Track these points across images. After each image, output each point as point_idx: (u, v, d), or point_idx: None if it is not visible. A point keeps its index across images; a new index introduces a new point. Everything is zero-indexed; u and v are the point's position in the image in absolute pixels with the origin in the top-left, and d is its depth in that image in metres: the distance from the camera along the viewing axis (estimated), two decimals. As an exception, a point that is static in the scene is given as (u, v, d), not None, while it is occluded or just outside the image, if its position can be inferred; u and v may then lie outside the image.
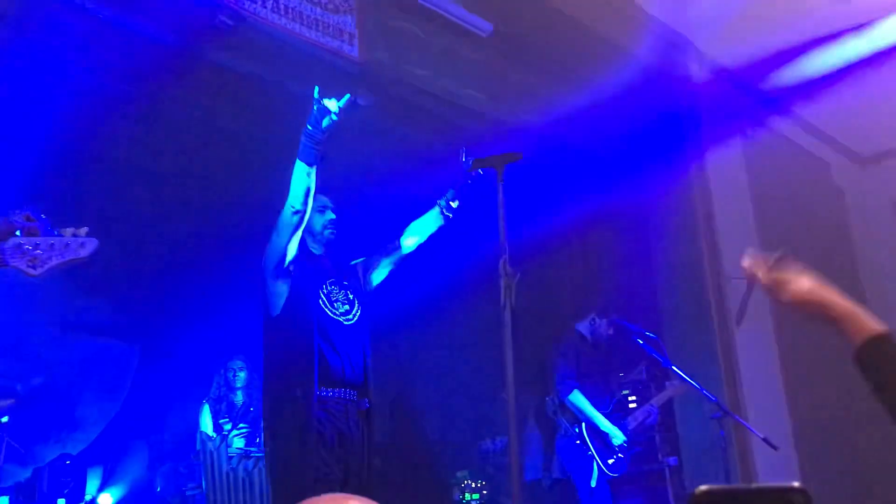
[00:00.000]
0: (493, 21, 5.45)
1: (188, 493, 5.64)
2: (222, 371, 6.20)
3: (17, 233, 2.35)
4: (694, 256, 6.42)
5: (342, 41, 4.75)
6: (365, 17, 4.94)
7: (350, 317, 3.66)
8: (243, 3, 4.58)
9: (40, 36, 4.83)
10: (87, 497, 6.10)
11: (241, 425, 6.00)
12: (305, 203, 3.46)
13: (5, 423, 5.10)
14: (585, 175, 6.38)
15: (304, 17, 4.62)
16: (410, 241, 3.91)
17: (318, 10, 4.67)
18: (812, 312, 1.93)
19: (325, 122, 3.38)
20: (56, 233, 2.41)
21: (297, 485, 3.25)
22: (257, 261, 3.63)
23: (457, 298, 6.82)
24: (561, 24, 5.72)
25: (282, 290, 3.55)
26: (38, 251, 2.36)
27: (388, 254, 3.92)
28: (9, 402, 5.03)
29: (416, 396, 7.42)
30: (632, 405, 6.07)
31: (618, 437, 5.49)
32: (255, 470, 5.21)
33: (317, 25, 4.66)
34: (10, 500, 5.35)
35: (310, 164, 3.43)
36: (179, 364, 6.80)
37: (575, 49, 5.84)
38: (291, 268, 3.55)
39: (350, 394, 3.55)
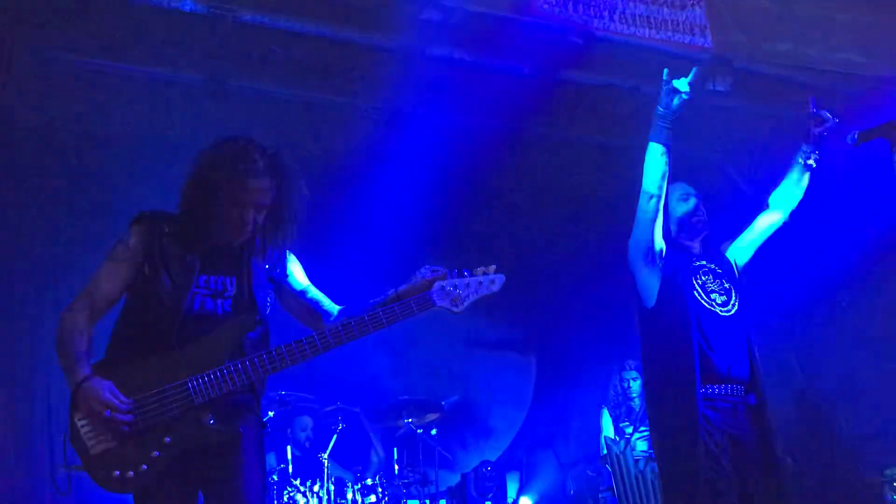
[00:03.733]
0: (863, -29, 4.93)
1: (601, 495, 5.86)
2: (616, 378, 6.34)
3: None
4: None
5: (694, 35, 4.68)
6: (714, 4, 4.80)
7: (729, 308, 3.42)
8: (591, 21, 4.73)
9: (419, 91, 5.48)
10: (509, 500, 6.62)
11: (641, 428, 6.08)
12: (661, 187, 3.32)
13: (435, 434, 5.77)
14: None
15: (652, 20, 4.64)
16: (774, 215, 3.62)
17: (666, 10, 4.66)
18: None
19: (676, 102, 3.29)
20: (467, 273, 2.74)
21: (687, 484, 3.14)
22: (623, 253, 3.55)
23: (856, 281, 6.21)
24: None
25: (651, 281, 3.41)
26: (458, 291, 2.72)
27: (753, 231, 3.66)
28: (435, 416, 5.68)
29: (826, 387, 6.85)
30: None
31: None
32: (663, 472, 5.23)
33: (666, 25, 4.65)
34: (446, 501, 6.01)
35: (663, 144, 3.30)
36: (574, 371, 7.11)
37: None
38: (660, 258, 3.42)
39: (737, 390, 3.32)
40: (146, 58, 5.20)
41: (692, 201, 3.59)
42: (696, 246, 3.57)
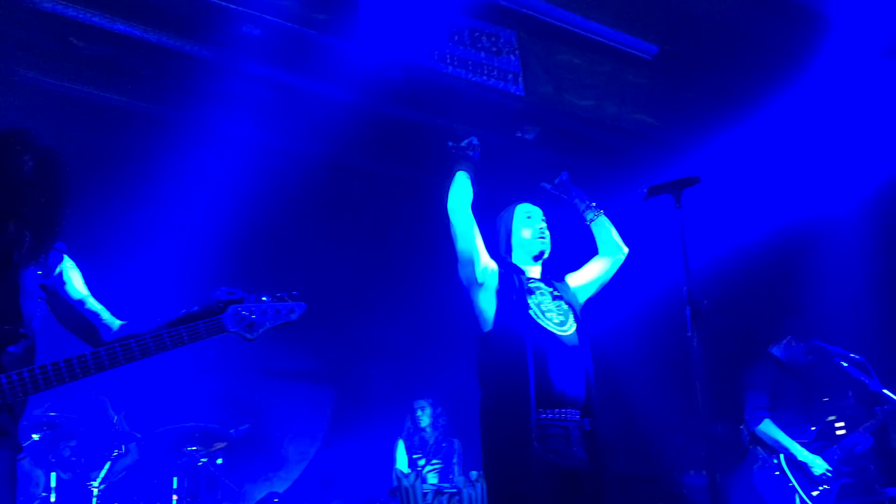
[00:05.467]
0: (657, 43, 5.37)
1: (388, 528, 5.82)
2: (410, 410, 6.39)
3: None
4: (900, 268, 5.93)
5: (507, 82, 4.87)
6: (528, 55, 5.04)
7: (566, 328, 3.34)
8: (412, 56, 4.79)
9: (232, 106, 5.30)
10: (298, 533, 6.43)
11: (433, 461, 6.14)
12: (466, 205, 3.35)
13: (220, 464, 5.49)
14: (772, 191, 6.08)
15: (470, 63, 4.79)
16: (604, 261, 3.64)
17: (483, 54, 4.83)
18: None
19: (472, 151, 3.48)
20: (266, 299, 2.60)
21: None
22: (456, 280, 3.43)
23: (644, 326, 6.67)
24: (730, 36, 5.53)
25: (488, 303, 3.32)
26: (254, 317, 2.57)
27: (588, 274, 3.63)
28: (222, 444, 5.41)
29: (606, 424, 7.25)
30: (839, 432, 5.64)
31: (818, 466, 5.10)
32: (450, 506, 5.30)
33: (482, 70, 4.81)
34: (226, 536, 5.71)
35: (467, 171, 3.42)
36: (374, 403, 7.09)
37: (747, 61, 5.63)
38: (492, 279, 3.34)
39: (572, 414, 3.23)
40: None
41: (534, 222, 3.54)
42: (535, 269, 3.51)
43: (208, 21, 4.79)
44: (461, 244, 3.33)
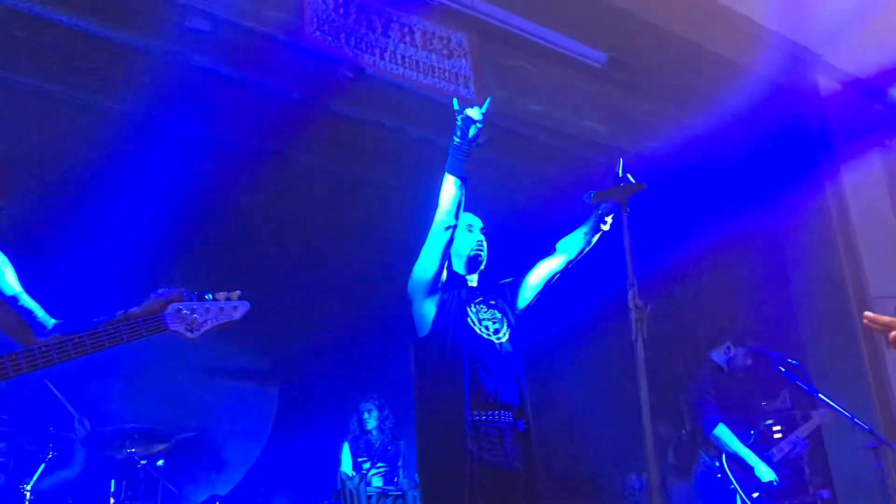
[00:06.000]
0: (607, 51, 5.44)
1: (332, 531, 5.77)
2: (356, 412, 6.35)
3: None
4: (835, 277, 6.10)
5: (458, 85, 4.88)
6: (479, 59, 5.06)
7: (500, 336, 3.48)
8: (362, 56, 4.78)
9: (178, 100, 5.20)
10: (238, 536, 6.34)
11: (379, 464, 6.10)
12: (457, 217, 3.36)
13: (161, 466, 5.38)
14: (714, 200, 6.21)
15: (421, 64, 4.79)
16: (556, 261, 3.66)
17: (434, 56, 4.83)
18: None
19: (472, 132, 3.29)
20: (209, 297, 2.56)
21: None
22: (404, 283, 3.48)
23: (588, 330, 6.73)
24: (677, 48, 5.64)
25: (430, 309, 3.41)
26: (196, 316, 2.53)
27: (535, 276, 3.67)
28: (164, 445, 5.31)
29: (546, 431, 7.31)
30: (777, 436, 5.78)
31: (766, 474, 5.21)
32: (394, 509, 5.28)
33: (433, 71, 4.81)
34: (167, 539, 5.60)
35: (459, 177, 3.32)
36: (320, 404, 7.03)
37: (693, 71, 5.75)
38: (440, 287, 3.43)
39: (505, 416, 3.33)
40: None
41: (475, 234, 3.62)
42: (473, 278, 3.61)
43: (156, 14, 4.70)
44: (436, 253, 3.37)
